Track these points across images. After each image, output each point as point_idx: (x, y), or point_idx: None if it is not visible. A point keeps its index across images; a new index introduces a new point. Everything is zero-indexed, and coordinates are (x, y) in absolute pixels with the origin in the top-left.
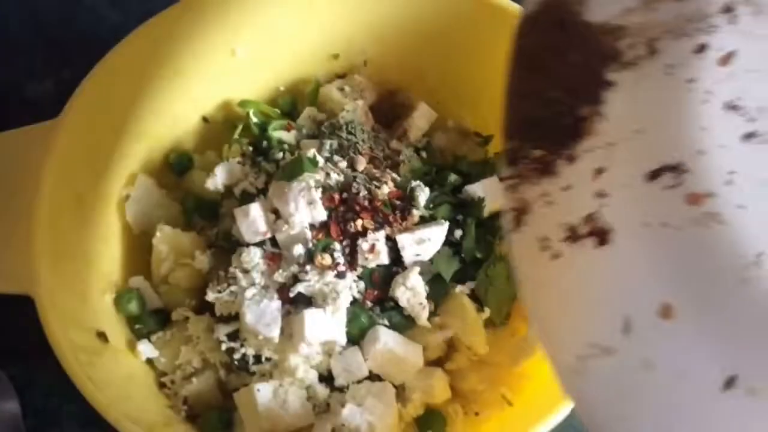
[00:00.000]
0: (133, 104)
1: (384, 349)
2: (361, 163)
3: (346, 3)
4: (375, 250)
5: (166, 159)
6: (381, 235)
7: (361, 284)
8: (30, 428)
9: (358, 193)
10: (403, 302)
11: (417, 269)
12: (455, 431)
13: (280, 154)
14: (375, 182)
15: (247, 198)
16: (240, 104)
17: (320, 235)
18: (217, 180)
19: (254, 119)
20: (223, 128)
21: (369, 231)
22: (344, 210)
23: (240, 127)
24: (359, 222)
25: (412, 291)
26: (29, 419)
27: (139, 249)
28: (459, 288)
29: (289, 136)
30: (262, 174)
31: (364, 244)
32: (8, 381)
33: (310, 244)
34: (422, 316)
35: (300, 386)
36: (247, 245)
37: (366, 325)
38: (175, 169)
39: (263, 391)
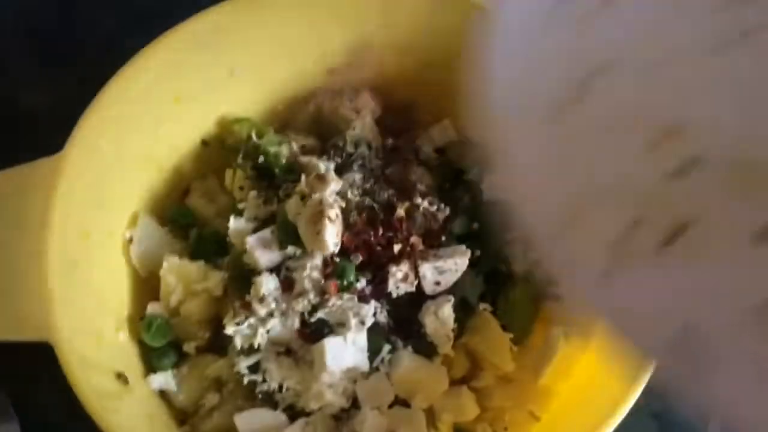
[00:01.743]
0: (135, 133)
1: (408, 373)
2: (377, 182)
3: (344, 18)
4: (409, 279)
5: (168, 189)
6: (405, 265)
7: (383, 309)
8: None
9: (375, 217)
10: (429, 330)
11: (450, 302)
12: None
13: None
14: (392, 200)
15: (258, 224)
16: (235, 122)
17: (336, 261)
18: (242, 221)
19: (255, 139)
20: (223, 151)
21: (403, 260)
22: (362, 230)
23: (242, 152)
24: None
25: (440, 321)
26: None
27: (148, 283)
28: (483, 305)
29: (291, 156)
30: (272, 197)
31: (398, 273)
32: (8, 401)
33: (328, 270)
34: (446, 346)
35: (327, 414)
36: (265, 271)
37: (389, 350)
38: (180, 223)
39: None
